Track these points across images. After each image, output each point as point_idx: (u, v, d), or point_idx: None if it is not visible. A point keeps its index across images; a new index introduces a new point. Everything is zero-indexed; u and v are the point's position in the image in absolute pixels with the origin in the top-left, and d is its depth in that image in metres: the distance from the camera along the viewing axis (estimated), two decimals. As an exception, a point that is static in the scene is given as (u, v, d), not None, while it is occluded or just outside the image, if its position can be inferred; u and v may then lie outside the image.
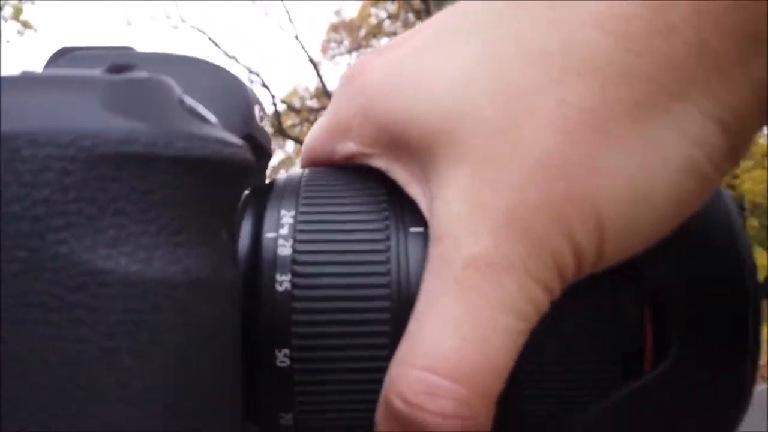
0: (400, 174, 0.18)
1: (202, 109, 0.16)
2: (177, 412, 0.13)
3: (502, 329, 0.15)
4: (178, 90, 0.15)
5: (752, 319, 0.16)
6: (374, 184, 0.18)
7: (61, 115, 0.13)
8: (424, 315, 0.15)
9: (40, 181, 0.13)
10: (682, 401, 0.17)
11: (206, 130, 0.15)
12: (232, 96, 0.21)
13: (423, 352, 0.15)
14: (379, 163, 0.19)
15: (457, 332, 0.15)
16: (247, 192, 0.19)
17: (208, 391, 0.14)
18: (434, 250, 0.16)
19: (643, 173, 0.14)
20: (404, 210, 0.17)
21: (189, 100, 0.16)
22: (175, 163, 0.14)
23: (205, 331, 0.14)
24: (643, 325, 0.17)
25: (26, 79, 0.14)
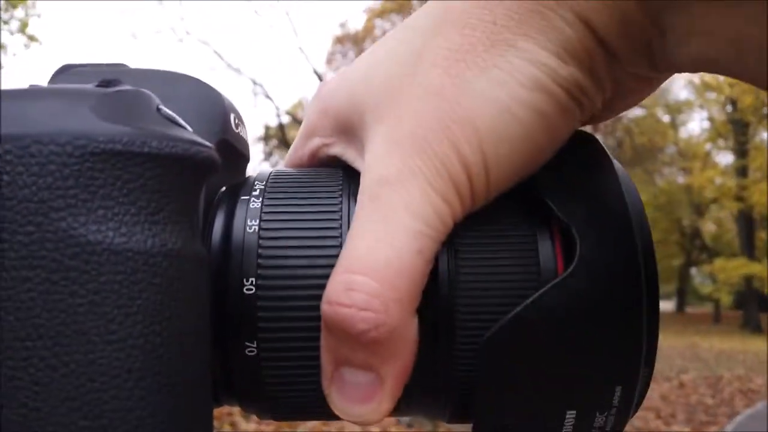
0: (350, 154, 0.22)
1: (176, 117, 0.19)
2: (152, 354, 0.17)
3: (408, 230, 0.18)
4: (156, 100, 0.19)
5: (638, 234, 0.19)
6: (333, 168, 0.23)
7: (60, 120, 0.17)
8: (349, 234, 0.19)
9: (45, 172, 0.16)
10: (588, 295, 0.19)
11: (178, 133, 0.18)
12: (209, 106, 0.25)
13: (344, 259, 0.18)
14: (336, 149, 0.23)
15: (369, 235, 0.18)
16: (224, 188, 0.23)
17: (181, 338, 0.17)
18: (360, 189, 0.19)
19: (503, 92, 0.18)
20: (356, 182, 0.21)
21: (165, 110, 0.19)
22: (149, 158, 0.17)
23: (176, 291, 0.17)
24: (554, 244, 0.20)
25: (34, 91, 0.18)
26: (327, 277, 0.19)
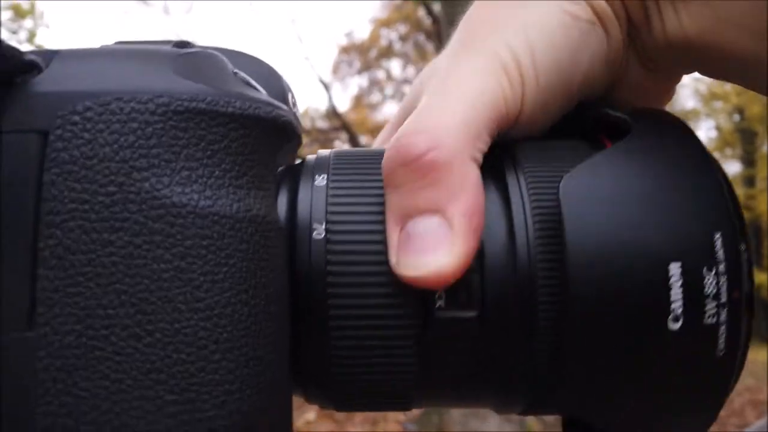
0: None
1: (252, 81, 0.18)
2: (240, 325, 0.15)
3: (462, 93, 0.19)
4: (230, 64, 0.18)
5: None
6: None
7: (141, 77, 0.16)
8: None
9: (127, 130, 0.15)
10: (657, 148, 0.18)
11: (257, 95, 0.17)
12: (270, 81, 0.24)
13: (411, 117, 0.19)
14: None
15: (424, 105, 0.19)
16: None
17: (267, 309, 0.16)
18: None
19: (542, 2, 0.21)
20: None
21: (241, 73, 0.18)
22: (232, 119, 0.16)
23: (261, 260, 0.16)
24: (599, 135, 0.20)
25: (110, 50, 0.17)
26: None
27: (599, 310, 0.17)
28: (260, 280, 0.16)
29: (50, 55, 0.16)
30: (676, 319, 0.16)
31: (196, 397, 0.15)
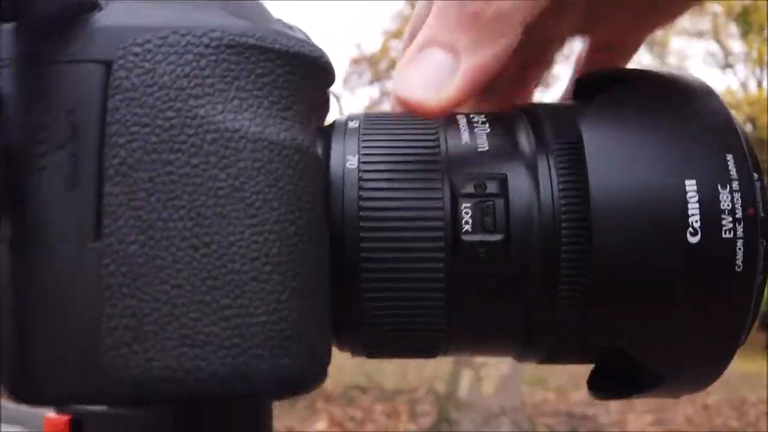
0: None
1: (294, 27, 0.20)
2: (288, 241, 0.17)
3: None
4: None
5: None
6: None
7: (195, 14, 0.17)
8: None
9: (183, 61, 0.16)
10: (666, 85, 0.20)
11: (301, 37, 0.19)
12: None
13: None
14: None
15: None
16: None
17: (309, 229, 0.17)
18: None
19: None
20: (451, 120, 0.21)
21: (284, 20, 0.20)
22: (279, 55, 0.17)
23: (306, 186, 0.17)
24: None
25: None
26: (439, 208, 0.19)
27: (623, 231, 0.18)
28: (305, 204, 0.17)
29: None
30: (694, 233, 0.18)
31: (248, 303, 0.16)
